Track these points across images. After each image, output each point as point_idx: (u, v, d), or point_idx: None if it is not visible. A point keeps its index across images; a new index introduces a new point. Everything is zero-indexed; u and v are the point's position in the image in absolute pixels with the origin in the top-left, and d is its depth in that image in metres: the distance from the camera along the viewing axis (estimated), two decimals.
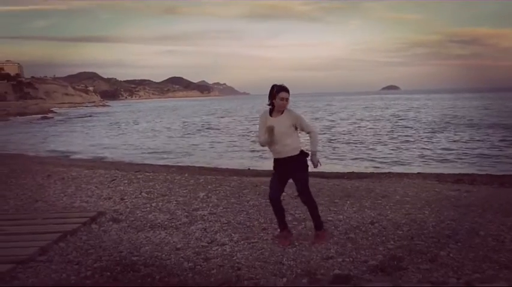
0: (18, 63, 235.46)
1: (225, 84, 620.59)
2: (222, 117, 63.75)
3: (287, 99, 5.02)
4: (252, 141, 25.89)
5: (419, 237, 5.23)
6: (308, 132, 5.14)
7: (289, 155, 5.03)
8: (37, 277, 4.26)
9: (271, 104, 5.06)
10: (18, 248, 4.93)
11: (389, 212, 6.58)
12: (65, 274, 4.31)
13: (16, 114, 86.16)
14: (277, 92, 4.99)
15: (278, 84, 5.05)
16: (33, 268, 4.45)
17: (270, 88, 5.06)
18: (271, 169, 5.26)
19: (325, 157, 21.09)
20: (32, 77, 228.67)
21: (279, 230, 5.34)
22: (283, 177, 5.17)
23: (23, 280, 4.18)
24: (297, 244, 5.08)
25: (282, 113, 5.07)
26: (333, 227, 5.72)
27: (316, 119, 51.01)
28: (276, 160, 5.14)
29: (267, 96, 5.09)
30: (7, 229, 5.78)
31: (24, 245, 5.04)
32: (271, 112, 5.10)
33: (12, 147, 29.60)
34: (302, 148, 5.12)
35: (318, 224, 5.31)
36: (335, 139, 28.72)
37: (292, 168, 5.06)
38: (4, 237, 5.44)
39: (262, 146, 5.23)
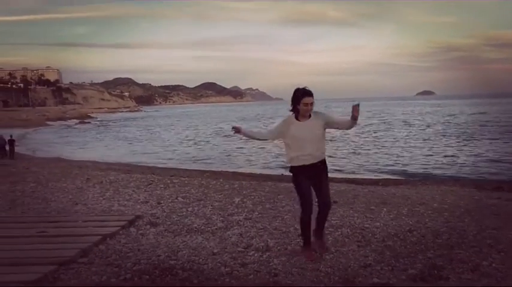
0: (58, 70, 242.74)
1: (257, 89, 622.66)
2: (255, 121, 63.95)
3: (312, 104, 4.67)
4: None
5: (460, 246, 5.10)
6: (346, 122, 4.81)
7: (320, 159, 4.79)
8: (78, 279, 4.35)
9: (295, 109, 4.77)
10: (60, 250, 5.05)
11: (427, 220, 6.45)
12: (105, 276, 4.39)
13: (55, 119, 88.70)
14: (302, 97, 4.66)
15: (301, 87, 4.72)
16: (75, 270, 4.55)
17: (293, 92, 4.75)
18: None
19: (359, 165, 20.92)
20: (71, 82, 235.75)
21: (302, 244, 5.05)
22: (310, 185, 4.84)
23: (65, 281, 4.28)
24: (333, 250, 5.03)
25: (309, 117, 4.77)
26: (370, 235, 5.64)
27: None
28: (303, 167, 4.77)
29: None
30: (49, 230, 5.93)
31: (65, 247, 5.16)
32: (297, 116, 4.80)
33: (52, 151, 30.46)
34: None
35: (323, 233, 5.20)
36: (369, 145, 28.39)
37: (319, 172, 4.81)
38: (47, 239, 5.59)
39: (262, 139, 5.21)
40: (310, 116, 4.79)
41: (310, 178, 4.80)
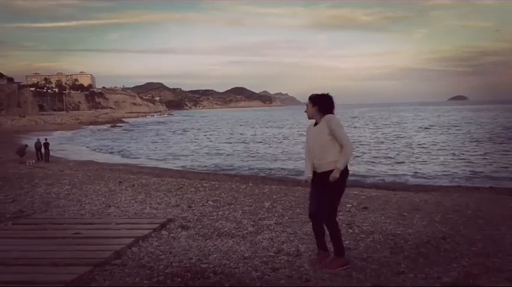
0: (91, 75, 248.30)
1: (286, 94, 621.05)
2: (284, 127, 63.87)
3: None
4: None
5: (496, 255, 4.97)
6: (340, 145, 4.47)
7: (323, 170, 4.53)
8: (112, 280, 4.42)
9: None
10: (94, 251, 5.16)
11: (461, 227, 6.32)
12: (138, 278, 4.45)
13: (88, 123, 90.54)
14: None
15: (323, 94, 4.68)
16: (109, 271, 4.63)
17: (325, 98, 4.65)
18: None
19: (390, 171, 20.63)
20: (103, 87, 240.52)
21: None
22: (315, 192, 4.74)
23: (100, 282, 4.36)
24: (365, 256, 4.98)
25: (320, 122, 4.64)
26: (403, 241, 5.56)
27: (375, 130, 50.01)
28: (313, 173, 4.69)
29: (327, 107, 4.63)
30: (84, 232, 6.07)
31: (100, 249, 5.27)
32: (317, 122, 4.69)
33: (86, 154, 31.10)
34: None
35: (337, 250, 4.68)
36: (399, 150, 28.00)
37: (322, 182, 4.56)
38: (81, 240, 5.72)
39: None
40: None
41: (316, 185, 4.68)
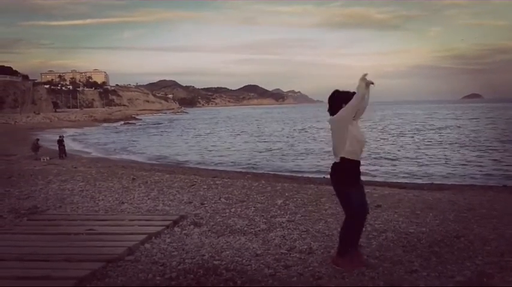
0: (105, 72, 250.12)
1: (299, 92, 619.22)
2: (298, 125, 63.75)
3: None
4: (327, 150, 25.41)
5: (510, 254, 4.91)
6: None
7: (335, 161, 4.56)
8: (125, 276, 4.46)
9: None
10: (108, 248, 5.21)
11: (475, 226, 6.25)
12: (151, 274, 4.48)
13: (102, 120, 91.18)
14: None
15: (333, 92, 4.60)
16: (122, 267, 4.67)
17: (346, 94, 4.52)
18: None
19: (401, 169, 20.49)
20: (117, 84, 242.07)
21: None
22: None
23: (113, 278, 4.40)
24: (378, 254, 4.96)
25: None
26: (416, 240, 5.52)
27: (387, 128, 49.71)
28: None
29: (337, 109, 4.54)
30: (97, 228, 6.12)
31: (113, 245, 5.32)
32: None
33: (99, 151, 31.35)
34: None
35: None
36: (415, 148, 27.82)
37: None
38: (95, 236, 5.77)
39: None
40: None
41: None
